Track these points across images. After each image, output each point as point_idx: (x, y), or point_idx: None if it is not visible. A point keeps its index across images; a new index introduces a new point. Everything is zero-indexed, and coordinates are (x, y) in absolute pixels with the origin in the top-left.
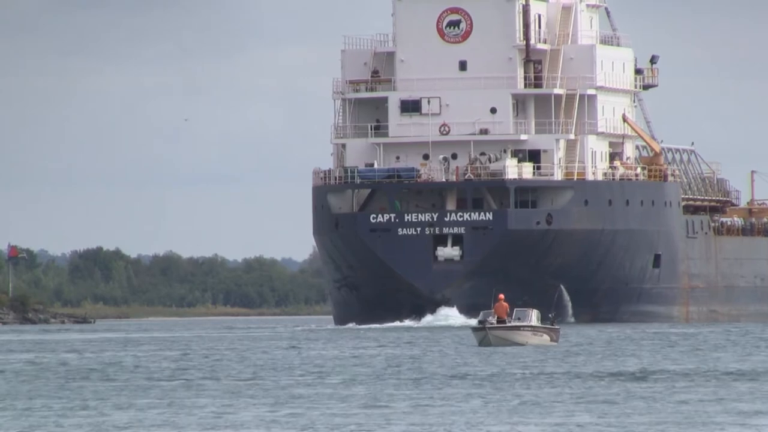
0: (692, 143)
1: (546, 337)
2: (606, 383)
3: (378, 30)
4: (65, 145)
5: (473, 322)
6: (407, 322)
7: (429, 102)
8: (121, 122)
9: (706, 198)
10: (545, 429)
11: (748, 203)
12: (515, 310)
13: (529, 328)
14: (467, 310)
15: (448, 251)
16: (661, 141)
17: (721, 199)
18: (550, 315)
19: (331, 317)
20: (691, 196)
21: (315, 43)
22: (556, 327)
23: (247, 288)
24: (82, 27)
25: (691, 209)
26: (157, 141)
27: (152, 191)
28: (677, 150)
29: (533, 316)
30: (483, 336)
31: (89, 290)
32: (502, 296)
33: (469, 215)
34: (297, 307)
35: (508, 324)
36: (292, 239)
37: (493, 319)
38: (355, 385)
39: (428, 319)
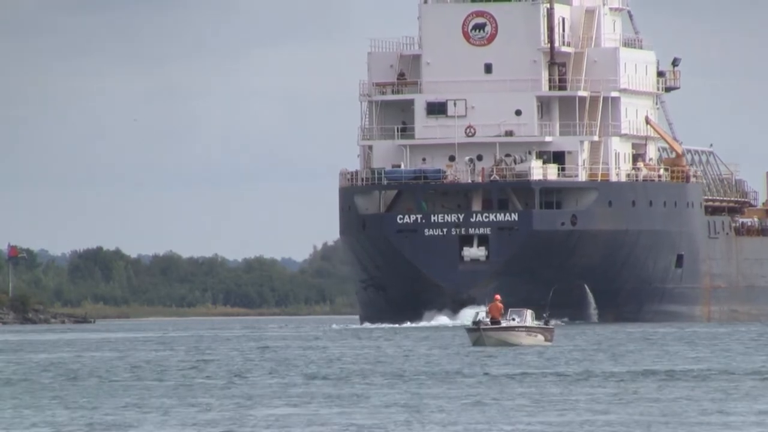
0: (711, 145)
1: (540, 337)
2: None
3: (400, 33)
4: (65, 146)
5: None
6: (445, 321)
7: (455, 104)
8: (120, 122)
9: (725, 199)
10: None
11: (764, 204)
12: (510, 310)
13: (524, 329)
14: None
15: (474, 251)
16: (681, 142)
17: (739, 199)
18: (544, 315)
19: (334, 317)
20: (710, 197)
21: (316, 43)
22: (551, 327)
23: (247, 288)
24: (82, 27)
25: (710, 210)
26: (157, 141)
27: (152, 191)
28: (696, 151)
29: (528, 316)
30: (477, 336)
31: (89, 290)
32: (497, 296)
33: (495, 216)
34: (297, 307)
35: (503, 324)
36: (292, 239)
37: (487, 319)
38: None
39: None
